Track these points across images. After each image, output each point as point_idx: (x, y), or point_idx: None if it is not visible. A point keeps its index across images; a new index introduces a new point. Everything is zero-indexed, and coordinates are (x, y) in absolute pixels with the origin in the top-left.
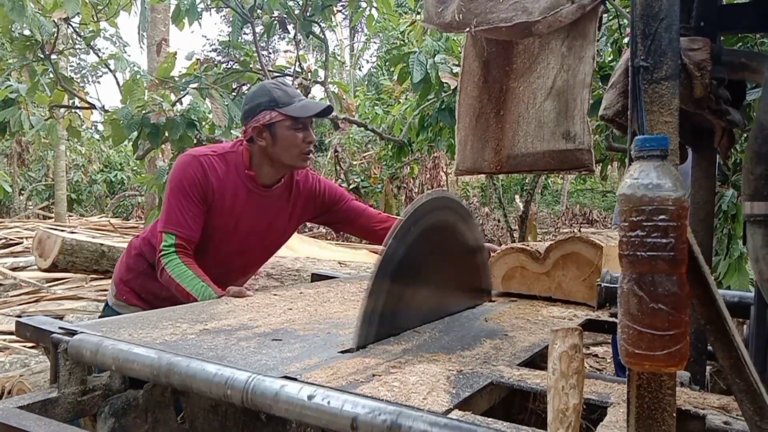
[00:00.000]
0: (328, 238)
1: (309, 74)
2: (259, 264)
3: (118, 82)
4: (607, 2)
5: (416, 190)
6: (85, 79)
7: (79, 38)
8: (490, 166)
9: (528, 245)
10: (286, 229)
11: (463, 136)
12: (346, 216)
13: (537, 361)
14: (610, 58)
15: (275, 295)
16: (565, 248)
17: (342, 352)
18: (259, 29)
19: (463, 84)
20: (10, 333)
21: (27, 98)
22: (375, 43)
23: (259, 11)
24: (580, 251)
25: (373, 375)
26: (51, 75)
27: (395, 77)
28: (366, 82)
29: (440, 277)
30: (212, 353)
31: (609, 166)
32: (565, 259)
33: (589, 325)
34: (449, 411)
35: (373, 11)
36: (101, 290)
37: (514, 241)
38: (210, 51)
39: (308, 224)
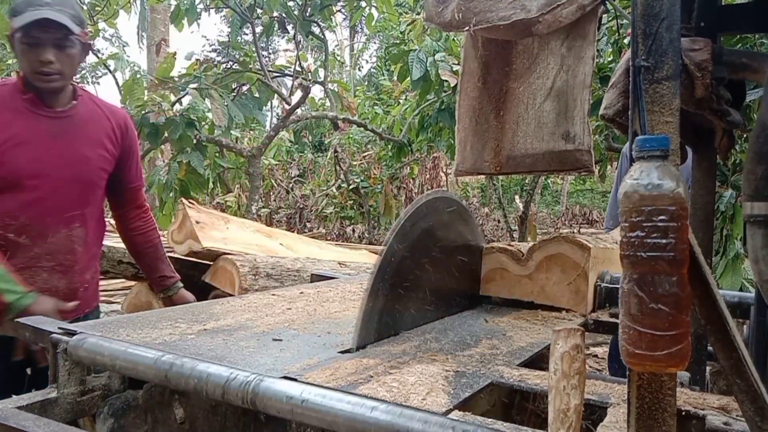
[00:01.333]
0: (328, 238)
1: (309, 74)
2: (76, 206)
3: (117, 83)
4: (606, 3)
5: (416, 191)
6: (84, 80)
7: None
8: (489, 167)
9: (510, 245)
10: (97, 160)
11: (462, 137)
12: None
13: (537, 361)
14: (610, 59)
15: (273, 294)
16: (549, 249)
17: (341, 352)
18: (258, 29)
19: (463, 85)
20: None
21: None
22: (375, 43)
23: (258, 11)
24: (566, 252)
25: (372, 375)
26: None
27: (395, 77)
28: (366, 82)
29: (440, 278)
30: (212, 353)
31: (608, 167)
32: (549, 260)
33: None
34: (449, 411)
35: (373, 10)
36: (101, 290)
37: (514, 242)
38: (210, 51)
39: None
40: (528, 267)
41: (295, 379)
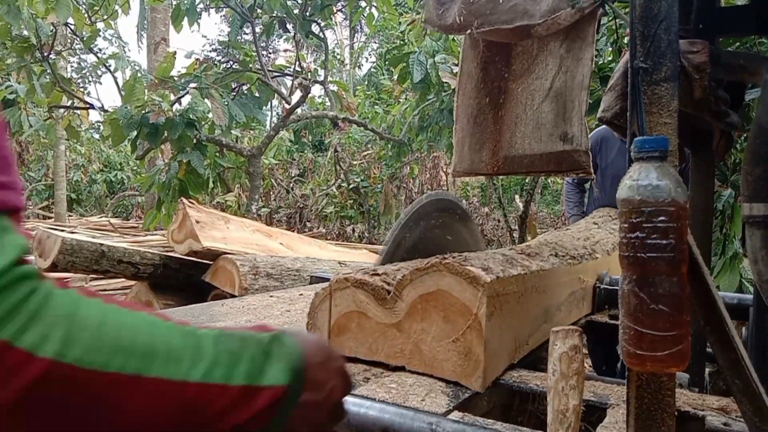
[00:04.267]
0: (328, 238)
1: (309, 74)
2: None
3: (117, 83)
4: (605, 5)
5: (416, 190)
6: (86, 79)
7: (77, 39)
8: (487, 167)
9: (376, 272)
10: None
11: (460, 137)
12: None
13: (536, 362)
14: (609, 59)
15: (272, 296)
16: (425, 284)
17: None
18: (258, 29)
19: (461, 85)
20: None
21: (26, 99)
22: (375, 42)
23: (258, 11)
24: (449, 290)
25: (371, 377)
26: (49, 76)
27: (395, 77)
28: (366, 82)
29: None
30: None
31: None
32: (426, 302)
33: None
34: (449, 412)
35: (373, 10)
36: (101, 290)
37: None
38: (210, 51)
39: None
40: (396, 311)
41: None
